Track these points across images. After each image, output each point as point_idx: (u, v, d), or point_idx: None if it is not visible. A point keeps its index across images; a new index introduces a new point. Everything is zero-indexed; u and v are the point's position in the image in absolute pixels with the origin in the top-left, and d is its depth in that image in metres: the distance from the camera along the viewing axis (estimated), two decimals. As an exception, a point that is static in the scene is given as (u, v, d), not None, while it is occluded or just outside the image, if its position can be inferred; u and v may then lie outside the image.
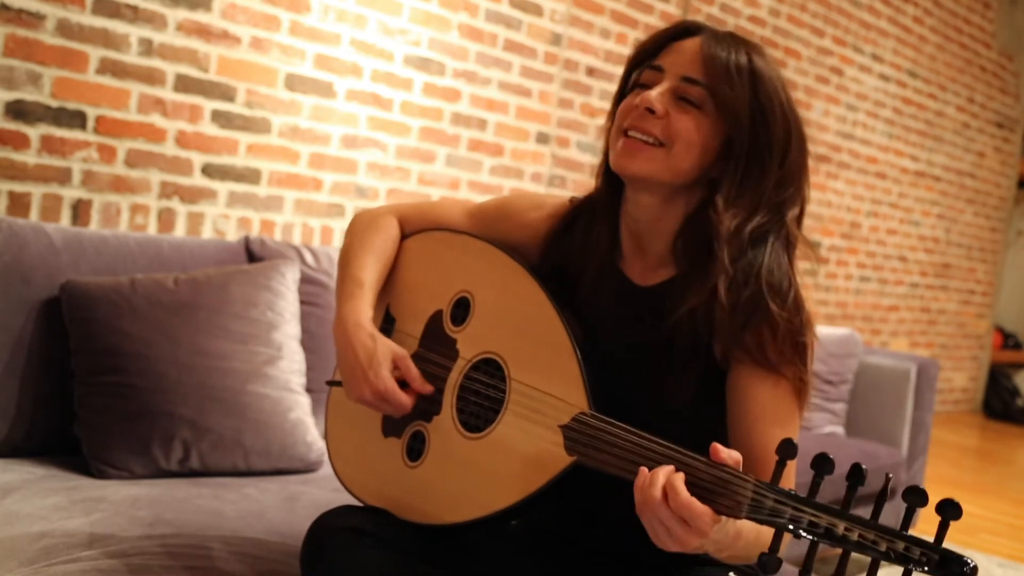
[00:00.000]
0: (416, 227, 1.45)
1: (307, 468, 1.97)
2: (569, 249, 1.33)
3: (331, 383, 1.42)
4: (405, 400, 1.26)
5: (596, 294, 1.29)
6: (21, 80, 2.16)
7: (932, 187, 5.93)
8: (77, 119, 2.26)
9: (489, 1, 3.16)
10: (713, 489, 0.96)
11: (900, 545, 0.88)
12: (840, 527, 0.90)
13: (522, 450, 1.19)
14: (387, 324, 1.44)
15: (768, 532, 0.99)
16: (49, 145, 2.22)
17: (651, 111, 1.19)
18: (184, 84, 2.43)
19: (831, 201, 5.04)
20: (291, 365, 2.00)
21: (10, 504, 1.54)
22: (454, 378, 1.30)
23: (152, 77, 2.37)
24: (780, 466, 0.95)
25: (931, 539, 0.87)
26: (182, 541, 1.46)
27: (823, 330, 3.38)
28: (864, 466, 0.91)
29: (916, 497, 0.89)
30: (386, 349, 1.27)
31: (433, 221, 1.45)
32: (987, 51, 6.23)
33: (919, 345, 6.08)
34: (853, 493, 0.91)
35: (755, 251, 1.19)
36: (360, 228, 1.43)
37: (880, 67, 5.25)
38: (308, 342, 2.13)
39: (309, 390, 2.09)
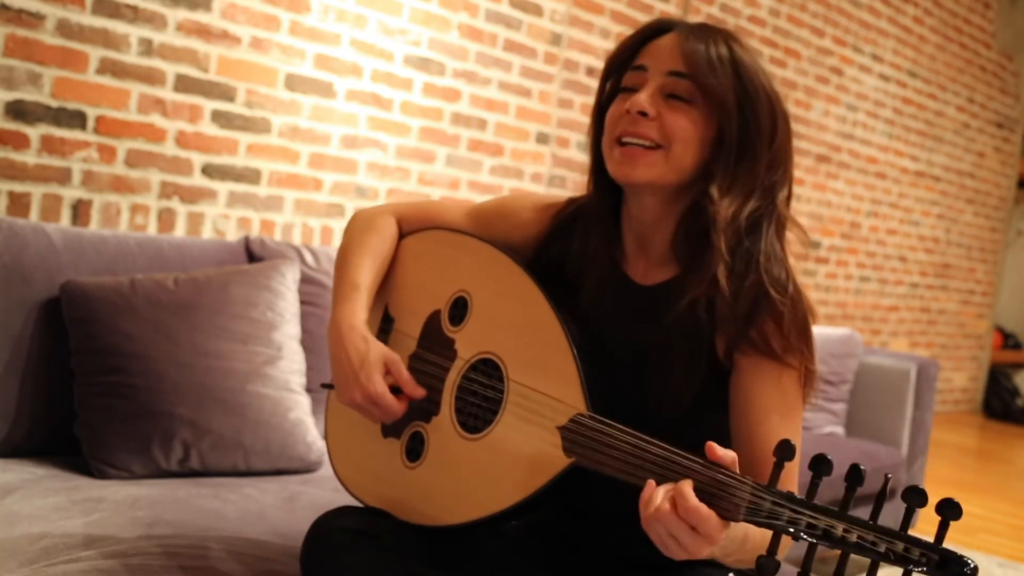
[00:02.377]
0: (415, 226, 1.45)
1: (307, 468, 1.97)
2: (567, 253, 1.33)
3: (325, 385, 1.42)
4: (395, 405, 1.26)
5: (599, 298, 1.28)
6: (21, 80, 2.16)
7: (932, 187, 5.93)
8: (77, 119, 2.26)
9: (489, 1, 3.16)
10: (711, 491, 0.96)
11: (899, 546, 0.87)
12: (839, 528, 0.90)
13: (520, 451, 1.19)
14: (386, 324, 1.44)
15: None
16: (49, 145, 2.22)
17: (643, 114, 1.18)
18: (184, 84, 2.43)
19: (831, 201, 5.04)
20: (291, 365, 2.00)
21: (10, 504, 1.54)
22: (452, 378, 1.30)
23: (152, 77, 2.37)
24: (778, 468, 0.95)
25: (931, 539, 0.87)
26: (182, 541, 1.46)
27: (823, 330, 3.38)
28: (863, 467, 0.90)
29: (916, 497, 0.89)
30: (378, 352, 1.27)
31: (432, 220, 1.45)
32: (987, 51, 6.23)
33: (919, 345, 6.08)
34: (852, 494, 0.91)
35: (751, 238, 1.20)
36: (357, 229, 1.42)
37: (880, 67, 5.25)
38: (308, 342, 2.13)
39: (309, 390, 2.09)
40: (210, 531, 1.52)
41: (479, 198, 3.23)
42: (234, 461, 1.87)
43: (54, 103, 2.22)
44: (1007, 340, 7.31)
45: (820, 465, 0.92)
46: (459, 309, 1.34)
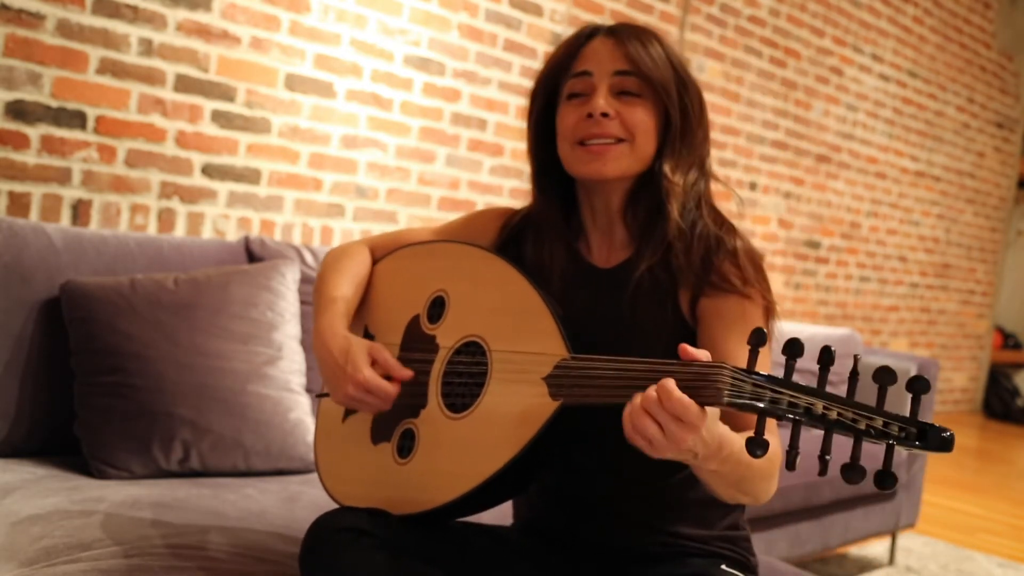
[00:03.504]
0: (386, 252, 1.50)
1: (307, 468, 1.97)
2: (522, 262, 1.37)
3: (321, 395, 1.43)
4: (388, 388, 1.27)
5: (568, 294, 1.32)
6: (21, 80, 2.16)
7: (932, 187, 5.93)
8: (77, 119, 2.26)
9: (489, 1, 3.16)
10: (693, 384, 0.99)
11: (879, 421, 0.92)
12: (819, 406, 0.94)
13: (510, 412, 1.20)
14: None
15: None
16: (49, 145, 2.22)
17: (605, 115, 1.27)
18: (184, 84, 2.43)
19: (831, 201, 5.04)
20: (291, 365, 2.00)
21: (10, 504, 1.54)
22: (437, 368, 1.31)
23: (152, 77, 2.37)
24: (753, 353, 0.98)
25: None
26: (182, 541, 1.46)
27: (823, 330, 3.38)
28: (832, 348, 0.94)
29: (886, 376, 0.93)
30: (361, 344, 1.30)
31: (402, 243, 1.50)
32: (987, 51, 6.23)
33: (919, 345, 6.08)
34: (826, 373, 0.95)
35: (691, 203, 1.31)
36: (331, 259, 1.48)
37: (880, 67, 5.25)
38: (308, 342, 2.13)
39: (309, 390, 2.09)
40: (210, 531, 1.52)
41: (479, 198, 3.23)
42: (234, 461, 1.87)
43: (54, 103, 2.22)
44: (1007, 340, 7.31)
45: (793, 346, 0.96)
46: (437, 308, 1.37)
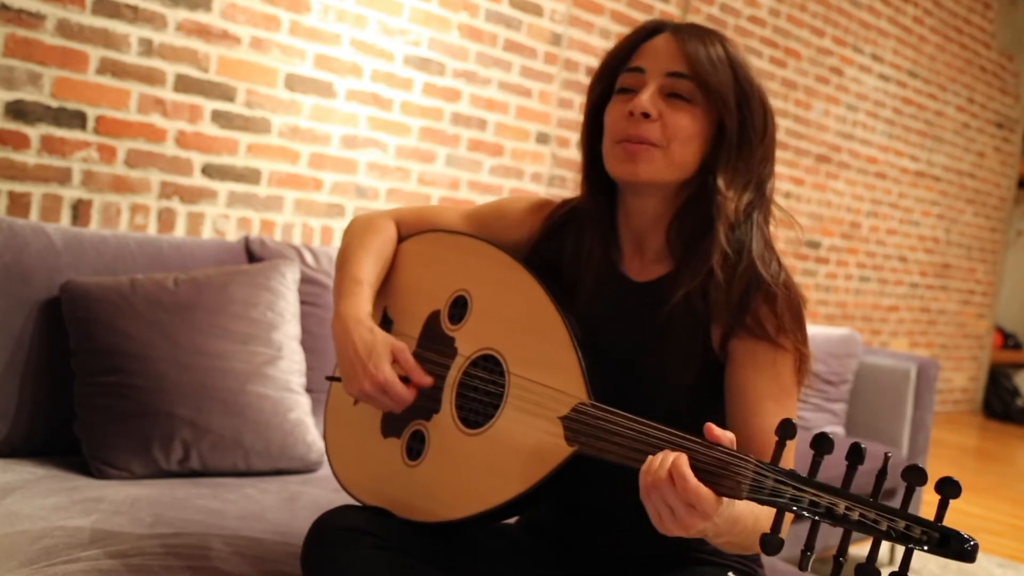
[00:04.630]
0: (413, 230, 1.46)
1: (307, 468, 1.97)
2: (561, 254, 1.34)
3: (331, 378, 1.41)
4: (405, 392, 1.25)
5: (597, 299, 1.29)
6: (21, 80, 2.16)
7: (932, 187, 5.93)
8: (77, 119, 2.26)
9: (489, 1, 3.16)
10: (714, 471, 0.97)
11: (901, 524, 0.88)
12: (841, 506, 0.91)
13: (522, 443, 1.19)
14: (385, 326, 1.43)
15: (767, 518, 0.99)
16: (49, 145, 2.22)
17: (646, 115, 1.20)
18: (184, 84, 2.43)
19: (831, 201, 5.04)
20: (291, 365, 2.00)
21: (10, 504, 1.54)
22: (453, 376, 1.30)
23: (152, 77, 2.37)
24: (780, 446, 0.95)
25: (931, 519, 0.87)
26: (182, 541, 1.46)
27: (823, 330, 3.38)
28: (863, 444, 0.91)
29: (915, 476, 0.90)
30: (385, 342, 1.27)
31: (430, 223, 1.45)
32: (987, 51, 6.23)
33: (919, 345, 6.08)
34: (853, 472, 0.92)
35: (744, 227, 1.23)
36: (357, 230, 1.43)
37: (880, 67, 5.25)
38: (308, 342, 2.13)
39: (309, 390, 2.09)
40: (210, 531, 1.52)
41: (479, 198, 3.23)
42: (234, 461, 1.87)
43: (54, 103, 2.22)
44: (1007, 340, 7.31)
45: (821, 443, 0.93)
46: (459, 308, 1.34)
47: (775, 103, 4.51)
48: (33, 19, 2.16)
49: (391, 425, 1.36)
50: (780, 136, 4.58)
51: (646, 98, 1.20)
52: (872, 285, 5.50)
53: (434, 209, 1.48)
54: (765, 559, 1.58)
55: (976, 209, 6.46)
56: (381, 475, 1.34)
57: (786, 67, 4.55)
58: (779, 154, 4.67)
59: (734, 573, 1.30)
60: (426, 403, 1.31)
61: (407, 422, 1.33)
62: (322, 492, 1.83)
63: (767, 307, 1.19)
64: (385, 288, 1.44)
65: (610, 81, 1.28)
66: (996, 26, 6.27)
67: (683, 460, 0.96)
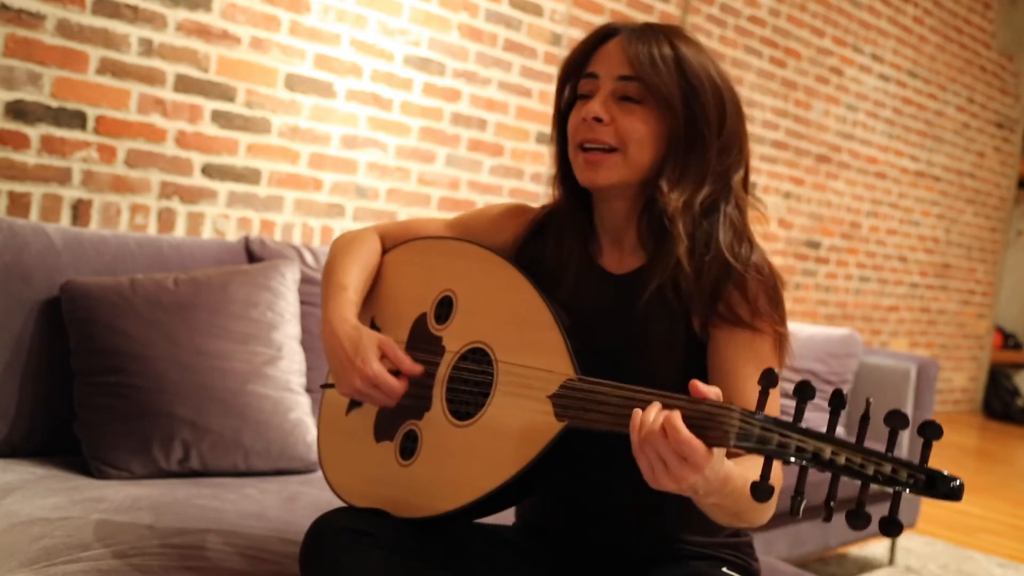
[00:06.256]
0: (397, 242, 1.48)
1: (307, 468, 1.97)
2: (544, 255, 1.36)
3: (325, 385, 1.42)
4: (396, 384, 1.27)
5: (579, 293, 1.31)
6: (21, 80, 2.16)
7: (932, 187, 5.93)
8: (77, 119, 2.26)
9: (489, 1, 3.16)
10: (700, 423, 0.98)
11: (887, 467, 0.90)
12: (827, 451, 0.92)
13: (514, 427, 1.20)
14: None
15: (755, 477, 1.00)
16: (49, 145, 2.22)
17: (598, 120, 1.24)
18: (184, 84, 2.43)
19: (831, 201, 5.04)
20: (291, 365, 2.00)
21: (10, 504, 1.54)
22: (442, 372, 1.31)
23: (152, 77, 2.37)
24: (763, 395, 0.97)
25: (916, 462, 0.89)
26: (182, 541, 1.46)
27: (823, 330, 3.38)
28: (844, 390, 0.93)
29: (897, 420, 0.91)
30: (371, 337, 1.29)
31: (414, 234, 1.48)
32: (987, 51, 6.23)
33: (919, 345, 6.08)
34: (836, 417, 0.93)
35: (709, 220, 1.25)
36: (342, 244, 1.46)
37: (880, 67, 5.25)
38: (308, 342, 2.13)
39: (309, 390, 2.09)
40: (210, 531, 1.52)
41: (479, 198, 3.23)
42: (234, 461, 1.87)
43: (54, 103, 2.22)
44: (1007, 340, 7.31)
45: (804, 390, 0.94)
46: (444, 308, 1.36)
47: (775, 103, 4.51)
48: (33, 19, 2.16)
49: (384, 428, 1.36)
50: (780, 136, 4.58)
51: (597, 103, 1.25)
52: (872, 285, 5.50)
53: (417, 221, 1.52)
54: (763, 559, 1.58)
55: (976, 209, 6.46)
56: (375, 477, 1.35)
57: (786, 67, 4.55)
58: (779, 154, 4.67)
59: (728, 567, 1.30)
60: (417, 402, 1.31)
61: (399, 423, 1.33)
62: (322, 492, 1.83)
63: (738, 293, 1.21)
64: (371, 299, 1.46)
65: (574, 85, 1.32)
66: (996, 26, 6.27)
67: (676, 414, 0.98)
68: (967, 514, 4.02)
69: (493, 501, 1.22)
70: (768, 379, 0.98)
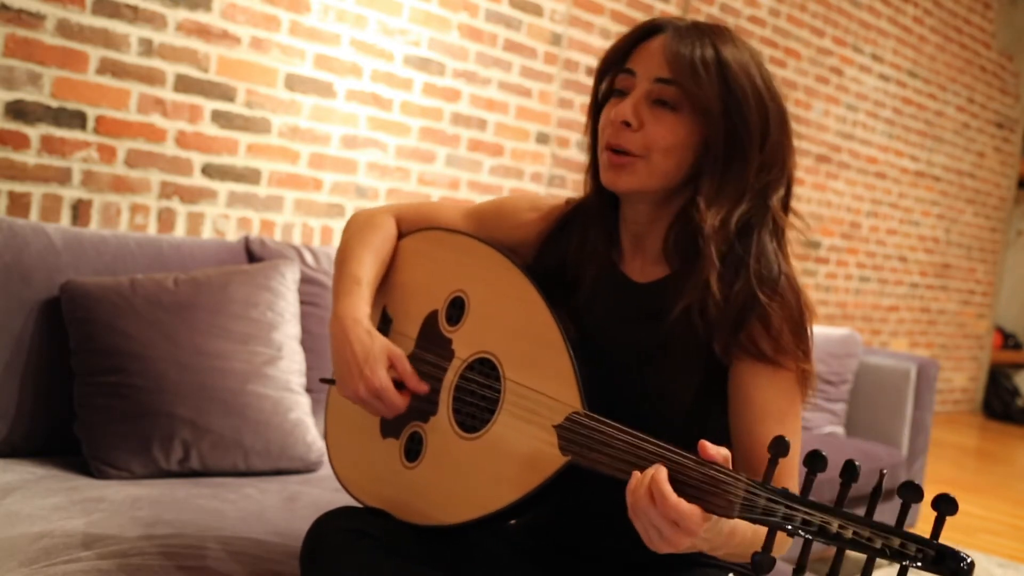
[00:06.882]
0: (413, 227, 1.45)
1: (307, 468, 1.97)
2: (565, 252, 1.33)
3: (325, 380, 1.41)
4: (398, 399, 1.25)
5: (596, 295, 1.28)
6: (21, 80, 2.16)
7: (932, 187, 5.93)
8: (77, 119, 2.26)
9: (489, 1, 3.16)
10: (704, 488, 0.96)
11: (895, 542, 0.87)
12: (834, 525, 0.90)
13: (517, 450, 1.19)
14: (384, 324, 1.44)
15: (765, 529, 0.99)
16: (49, 145, 2.22)
17: (627, 124, 1.18)
18: (184, 84, 2.43)
19: (831, 201, 5.04)
20: (291, 365, 2.00)
21: (10, 504, 1.54)
22: (450, 378, 1.30)
23: (152, 77, 2.37)
24: (772, 464, 0.94)
25: (927, 536, 0.86)
26: (182, 541, 1.46)
27: (823, 330, 3.38)
28: (857, 462, 0.90)
29: (911, 493, 0.88)
30: (383, 347, 1.27)
31: (430, 221, 1.44)
32: (987, 51, 6.23)
33: (919, 345, 6.08)
34: (847, 490, 0.91)
35: (743, 242, 1.19)
36: (357, 226, 1.42)
37: (880, 67, 5.25)
38: (308, 342, 2.13)
39: (309, 390, 2.09)
40: (210, 531, 1.52)
41: (479, 198, 3.23)
42: (234, 461, 1.87)
43: (54, 103, 2.22)
44: (1007, 340, 7.31)
45: (814, 461, 0.91)
46: (456, 309, 1.34)
47: (775, 103, 4.50)
48: (33, 19, 2.16)
49: (390, 426, 1.36)
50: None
51: (628, 106, 1.18)
52: (872, 285, 5.50)
53: (434, 206, 1.47)
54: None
55: (976, 209, 6.46)
56: (380, 476, 1.35)
57: (786, 67, 4.55)
58: (779, 154, 4.66)
59: (735, 575, 1.30)
60: (424, 405, 1.31)
61: (405, 423, 1.33)
62: (322, 492, 1.83)
63: (761, 327, 1.15)
64: (384, 286, 1.43)
65: (612, 78, 1.25)
66: (996, 26, 6.27)
67: (662, 475, 0.95)
68: (967, 514, 4.02)
69: (492, 520, 1.22)
70: (777, 448, 0.94)
